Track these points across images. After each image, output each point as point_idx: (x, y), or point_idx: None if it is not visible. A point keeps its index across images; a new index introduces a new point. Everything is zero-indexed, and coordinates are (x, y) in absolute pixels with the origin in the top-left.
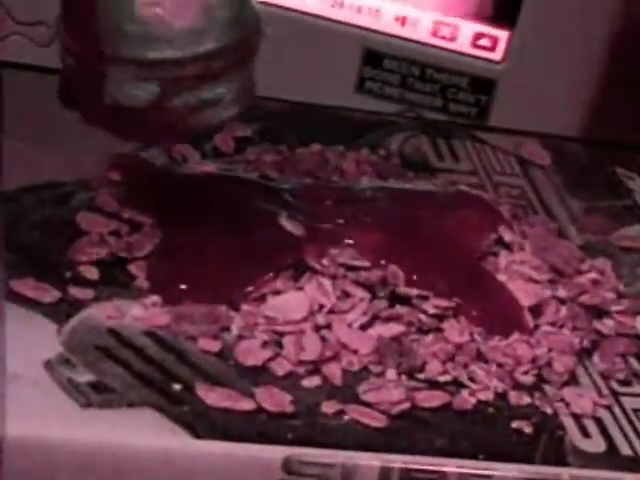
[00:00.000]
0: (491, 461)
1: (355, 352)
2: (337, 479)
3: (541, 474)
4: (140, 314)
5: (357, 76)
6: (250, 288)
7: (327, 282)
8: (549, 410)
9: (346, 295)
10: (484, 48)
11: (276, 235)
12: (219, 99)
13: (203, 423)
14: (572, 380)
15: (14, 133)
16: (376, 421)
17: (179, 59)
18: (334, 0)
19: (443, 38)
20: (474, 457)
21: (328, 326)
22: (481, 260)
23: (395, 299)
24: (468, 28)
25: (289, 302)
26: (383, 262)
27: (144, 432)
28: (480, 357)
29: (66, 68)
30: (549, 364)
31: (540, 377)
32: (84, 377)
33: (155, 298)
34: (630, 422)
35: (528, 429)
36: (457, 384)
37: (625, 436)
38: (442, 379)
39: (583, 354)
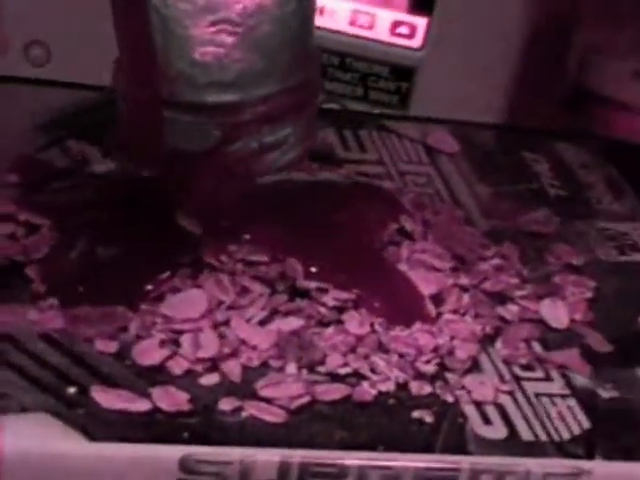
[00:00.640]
0: (391, 452)
1: (254, 348)
2: (235, 476)
3: (441, 463)
4: (36, 317)
5: None
6: (149, 287)
7: (226, 278)
8: (450, 398)
9: (245, 291)
10: (403, 36)
11: (174, 233)
12: (281, 142)
13: (98, 426)
14: (474, 367)
15: None
16: (275, 416)
17: (239, 102)
18: None
19: (361, 27)
20: (374, 448)
21: (227, 322)
22: (382, 250)
23: (295, 293)
24: (386, 16)
25: (187, 300)
26: (281, 256)
27: (38, 437)
28: (381, 348)
29: (123, 116)
30: (451, 352)
31: (442, 366)
32: None
33: (51, 301)
34: (532, 407)
35: (429, 418)
36: (358, 376)
37: (527, 421)
38: (343, 371)
39: (486, 341)
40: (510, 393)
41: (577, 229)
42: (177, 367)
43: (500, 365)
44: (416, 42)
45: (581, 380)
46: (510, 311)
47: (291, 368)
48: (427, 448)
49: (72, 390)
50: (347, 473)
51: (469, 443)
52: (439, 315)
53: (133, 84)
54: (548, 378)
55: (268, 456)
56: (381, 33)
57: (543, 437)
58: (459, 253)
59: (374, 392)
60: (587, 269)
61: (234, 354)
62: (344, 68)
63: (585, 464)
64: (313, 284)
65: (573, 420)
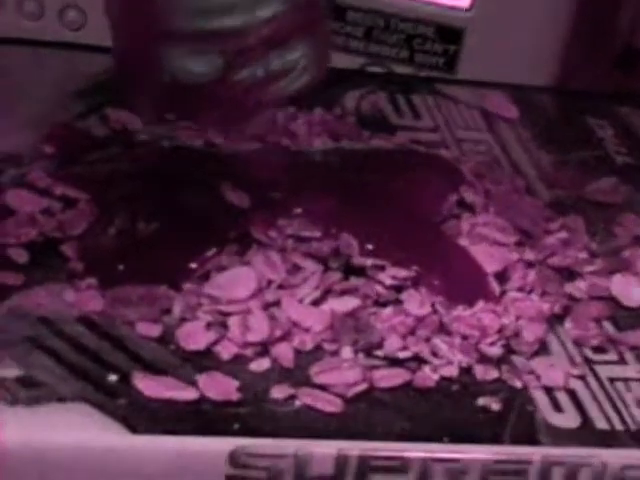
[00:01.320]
0: (457, 443)
1: (307, 330)
2: (289, 470)
3: (510, 455)
4: (73, 299)
5: None
6: (192, 265)
7: (275, 255)
8: (518, 384)
9: (296, 268)
10: None
11: (219, 207)
12: (290, 67)
13: (141, 417)
14: (542, 350)
15: None
16: (330, 405)
17: (241, 26)
18: None
19: None
20: (438, 440)
21: (277, 303)
22: (441, 224)
23: (349, 271)
24: None
25: (234, 279)
26: (335, 231)
27: (77, 430)
28: (443, 329)
29: (117, 48)
30: (517, 333)
31: (508, 348)
32: (11, 372)
33: (90, 281)
34: (606, 393)
35: (496, 406)
36: (418, 360)
37: (601, 408)
38: (402, 355)
39: (554, 321)
40: (582, 378)
41: None
42: (225, 352)
43: (570, 347)
44: (464, 1)
45: None
46: (579, 288)
47: (347, 352)
48: (495, 439)
49: (112, 378)
50: (409, 467)
51: (540, 433)
52: (504, 293)
53: (127, 12)
54: (622, 361)
55: (324, 448)
56: None
57: (619, 426)
58: (523, 226)
59: (436, 377)
60: None
61: (286, 337)
62: (389, 29)
63: None
64: (369, 261)
65: None
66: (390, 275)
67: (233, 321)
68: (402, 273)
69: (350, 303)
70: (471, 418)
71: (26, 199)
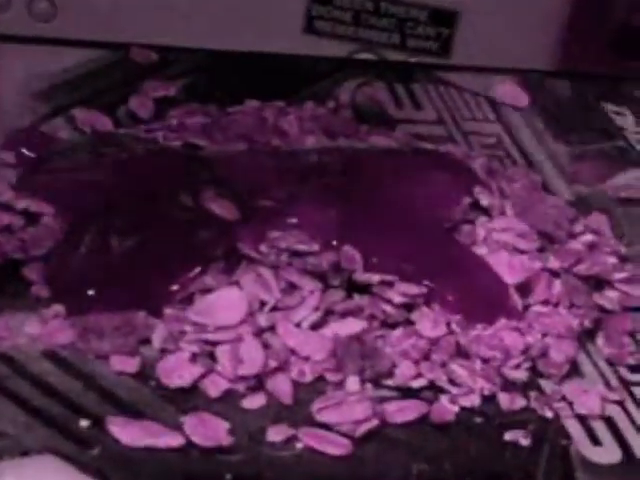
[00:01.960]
0: None
1: (307, 359)
2: None
3: None
4: (37, 330)
5: (305, 15)
6: (174, 287)
7: (268, 273)
8: (549, 413)
9: (292, 287)
10: None
11: (203, 219)
12: None
13: (118, 469)
14: (574, 372)
15: None
16: (337, 447)
17: None
18: None
19: None
20: None
21: (272, 328)
22: (454, 231)
23: (352, 288)
24: None
25: (222, 302)
26: (335, 243)
27: None
28: (461, 352)
29: None
30: (545, 353)
31: (535, 371)
32: None
33: (57, 308)
34: None
35: (525, 440)
36: (435, 389)
37: None
38: (416, 384)
39: (585, 337)
40: (620, 403)
41: None
42: (213, 388)
43: (604, 367)
44: None
45: None
46: (610, 299)
47: (352, 383)
48: (526, 479)
49: (84, 424)
50: None
51: (577, 470)
52: (527, 308)
53: None
54: None
55: None
56: None
57: None
58: (545, 229)
59: (455, 409)
60: None
61: (282, 368)
62: (379, 13)
63: None
64: (375, 277)
65: None
66: (399, 292)
67: (222, 351)
68: (413, 289)
69: (355, 326)
70: (497, 456)
71: None
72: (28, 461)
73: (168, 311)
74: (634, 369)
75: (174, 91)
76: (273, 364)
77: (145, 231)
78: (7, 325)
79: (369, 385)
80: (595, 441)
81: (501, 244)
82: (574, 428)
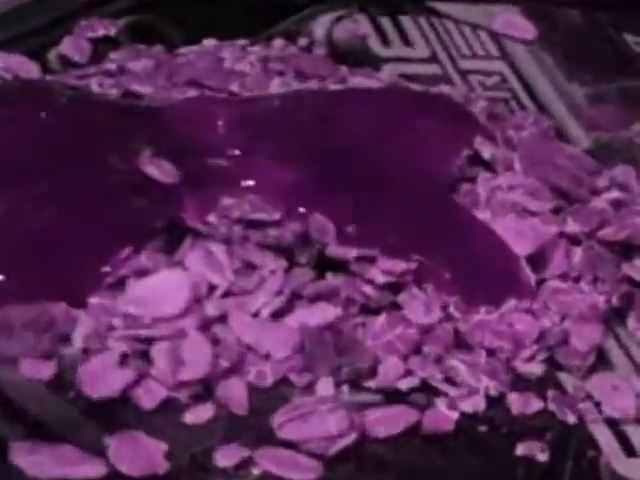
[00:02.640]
0: None
1: (267, 357)
2: None
3: None
4: None
5: None
6: (101, 270)
7: (218, 249)
8: (571, 418)
9: (249, 267)
10: None
11: (138, 184)
12: None
13: None
14: (601, 363)
15: None
16: (304, 472)
17: None
18: None
19: None
20: None
21: (222, 319)
22: (451, 191)
23: (324, 266)
24: None
25: (160, 287)
26: (302, 210)
27: None
28: (460, 343)
29: None
30: (564, 341)
31: (553, 363)
32: None
33: None
34: None
35: (542, 455)
36: (428, 391)
37: None
38: (404, 385)
39: (612, 318)
40: None
41: None
42: (147, 398)
43: (638, 355)
44: None
45: None
46: None
47: (325, 386)
48: None
49: None
50: None
51: None
52: (541, 284)
53: None
54: None
55: None
56: None
57: None
58: (560, 186)
59: (454, 416)
60: None
61: (236, 370)
62: None
63: None
64: (352, 251)
65: None
66: (382, 269)
67: (158, 350)
68: (399, 266)
69: (327, 313)
70: (507, 475)
71: None
72: None
73: (93, 300)
74: None
75: (115, 31)
76: (224, 365)
77: (67, 200)
78: None
79: (345, 388)
80: (629, 451)
81: (508, 206)
82: (603, 436)
